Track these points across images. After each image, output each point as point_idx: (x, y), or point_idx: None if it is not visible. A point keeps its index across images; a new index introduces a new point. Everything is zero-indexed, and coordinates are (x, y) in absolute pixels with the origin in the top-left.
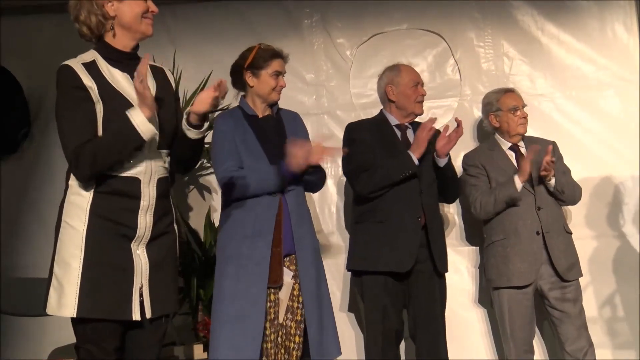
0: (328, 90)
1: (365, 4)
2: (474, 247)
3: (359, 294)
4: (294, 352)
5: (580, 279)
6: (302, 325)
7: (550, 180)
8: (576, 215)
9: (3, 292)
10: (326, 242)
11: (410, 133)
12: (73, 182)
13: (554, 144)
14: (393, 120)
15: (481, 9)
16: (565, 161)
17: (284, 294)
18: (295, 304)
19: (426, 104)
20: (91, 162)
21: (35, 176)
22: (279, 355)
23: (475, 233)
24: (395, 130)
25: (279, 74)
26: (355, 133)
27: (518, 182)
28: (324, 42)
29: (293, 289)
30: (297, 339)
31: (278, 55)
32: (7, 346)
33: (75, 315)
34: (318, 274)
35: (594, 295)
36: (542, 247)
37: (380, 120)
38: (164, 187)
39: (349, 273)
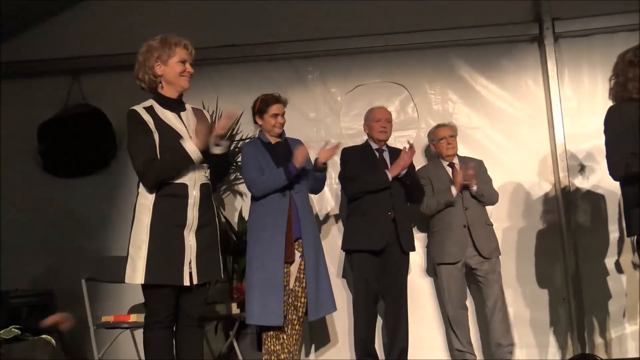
0: (325, 124)
1: (351, 65)
2: (425, 234)
3: (350, 266)
4: (300, 309)
5: (501, 256)
6: (306, 290)
7: (472, 187)
8: (499, 212)
9: (97, 266)
10: (325, 231)
11: (386, 155)
12: (142, 189)
13: (480, 162)
14: (373, 145)
15: (433, 67)
16: (492, 174)
17: (293, 268)
18: (302, 275)
19: (394, 134)
20: (156, 175)
21: (119, 185)
22: (290, 312)
23: (426, 225)
24: (375, 152)
25: (277, 115)
26: (348, 155)
27: (454, 191)
28: (322, 91)
29: (300, 264)
30: (302, 300)
31: (276, 101)
32: (98, 305)
33: (143, 282)
34: (317, 253)
35: (511, 267)
36: (467, 235)
37: (365, 145)
38: (206, 190)
39: (343, 252)
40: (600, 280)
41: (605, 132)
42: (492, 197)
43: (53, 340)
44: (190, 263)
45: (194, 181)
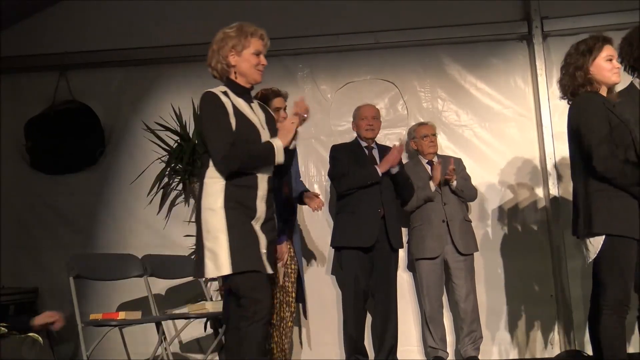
0: (314, 122)
1: (340, 62)
2: (405, 229)
3: (339, 264)
4: (292, 305)
5: (489, 254)
6: (295, 285)
7: (452, 183)
8: (486, 209)
9: (85, 264)
10: (314, 228)
11: (375, 152)
12: (208, 180)
13: (459, 160)
14: (363, 143)
15: (422, 65)
16: (480, 171)
17: (280, 263)
18: (290, 270)
19: (383, 132)
20: (241, 162)
21: (107, 182)
22: (282, 310)
23: (406, 220)
24: (364, 149)
25: (279, 109)
26: (337, 152)
27: (432, 186)
28: (311, 88)
29: (287, 260)
30: (293, 295)
31: (276, 95)
32: (86, 303)
33: (231, 272)
34: (300, 248)
35: (498, 264)
36: (446, 231)
37: (354, 143)
38: (271, 184)
39: (332, 249)
40: (588, 277)
41: (581, 121)
42: (471, 194)
43: (40, 339)
44: (264, 254)
45: (263, 173)
